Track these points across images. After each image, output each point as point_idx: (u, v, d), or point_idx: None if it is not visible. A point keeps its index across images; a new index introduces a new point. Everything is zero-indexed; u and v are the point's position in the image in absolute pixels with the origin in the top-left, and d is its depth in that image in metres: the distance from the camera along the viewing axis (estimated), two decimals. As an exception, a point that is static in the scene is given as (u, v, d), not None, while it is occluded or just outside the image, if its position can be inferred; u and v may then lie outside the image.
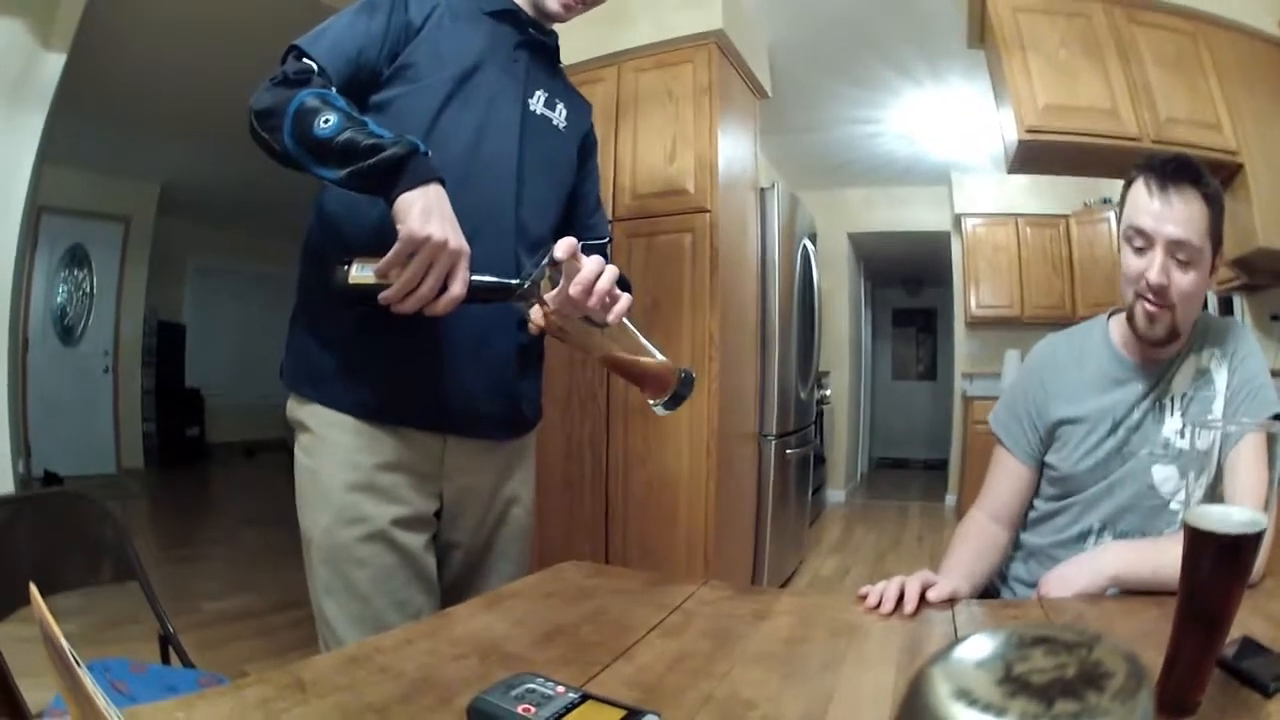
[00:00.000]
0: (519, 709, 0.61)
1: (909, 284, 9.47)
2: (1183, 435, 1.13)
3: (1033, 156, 2.83)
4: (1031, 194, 5.36)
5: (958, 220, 5.64)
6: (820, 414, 5.59)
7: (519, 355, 1.18)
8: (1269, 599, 0.94)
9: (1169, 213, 1.07)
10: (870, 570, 4.22)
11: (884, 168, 5.52)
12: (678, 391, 1.02)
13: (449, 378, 1.11)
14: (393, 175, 0.89)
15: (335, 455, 1.09)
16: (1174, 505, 1.14)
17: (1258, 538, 0.62)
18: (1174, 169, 1.09)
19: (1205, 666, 0.64)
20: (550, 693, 0.64)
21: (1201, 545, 0.62)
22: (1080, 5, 2.73)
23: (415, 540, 1.12)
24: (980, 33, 2.99)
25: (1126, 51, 2.67)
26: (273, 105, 0.95)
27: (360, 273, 0.92)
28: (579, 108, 1.31)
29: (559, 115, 1.25)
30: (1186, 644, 0.64)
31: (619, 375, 1.05)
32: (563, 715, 0.61)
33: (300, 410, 1.13)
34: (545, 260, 0.95)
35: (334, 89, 0.99)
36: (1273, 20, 2.73)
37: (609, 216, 2.85)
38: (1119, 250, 1.17)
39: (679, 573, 2.70)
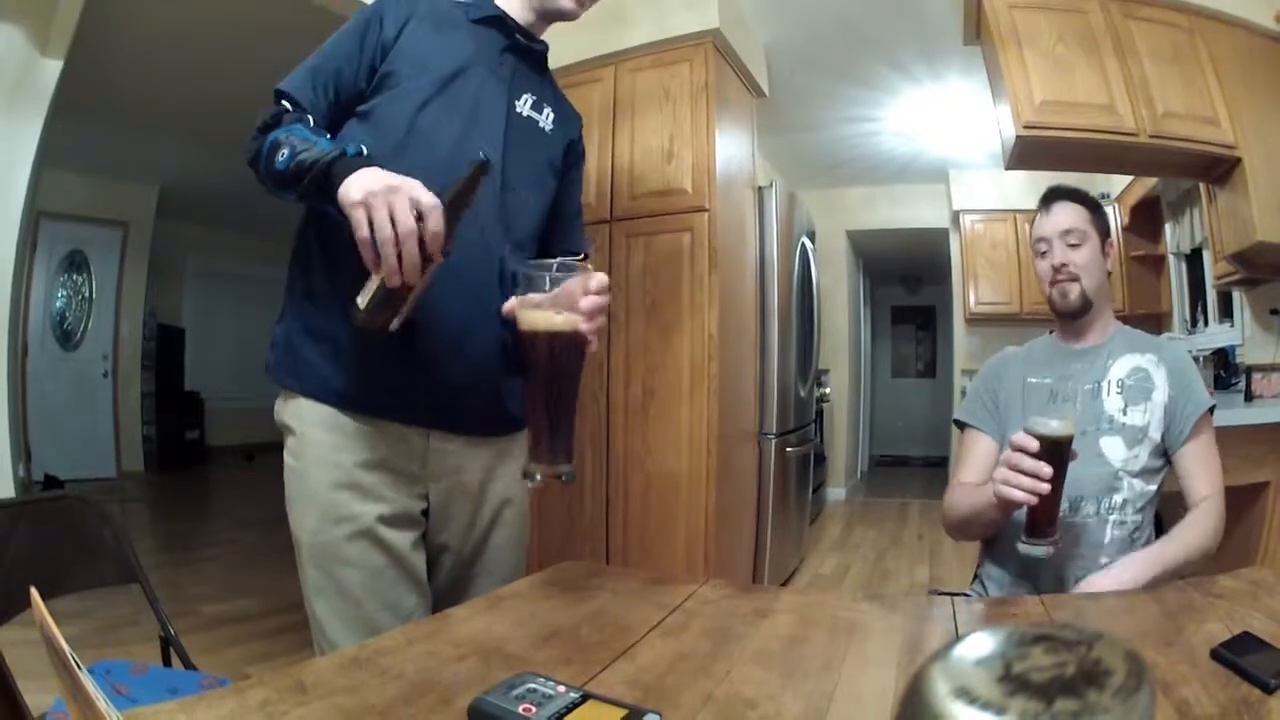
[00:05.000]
0: (520, 709, 0.61)
1: (908, 281, 9.47)
2: (1124, 412, 1.36)
3: (1030, 153, 2.83)
4: (1029, 190, 5.34)
5: (956, 217, 5.63)
6: (820, 412, 5.59)
7: (503, 350, 1.17)
8: (1269, 595, 0.94)
9: (1053, 217, 1.45)
10: (870, 568, 4.22)
11: (882, 166, 5.51)
12: (561, 472, 0.97)
13: (430, 370, 1.11)
14: (327, 181, 0.95)
15: (318, 454, 1.10)
16: (1121, 473, 1.34)
17: (1069, 439, 1.11)
18: (1050, 193, 1.48)
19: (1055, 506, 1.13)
20: (551, 692, 0.64)
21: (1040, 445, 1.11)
22: (1076, 1, 2.73)
23: (402, 538, 1.12)
24: (976, 29, 2.99)
25: (1123, 46, 2.66)
26: (254, 154, 1.05)
27: (363, 296, 0.93)
28: (568, 115, 1.32)
29: (546, 118, 1.26)
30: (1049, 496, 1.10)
31: (532, 404, 0.99)
32: (564, 715, 0.61)
33: (285, 411, 1.14)
34: (557, 264, 0.99)
35: (310, 116, 1.08)
36: (1270, 15, 2.73)
37: (607, 215, 2.91)
38: (1034, 268, 1.50)
39: (679, 572, 2.70)
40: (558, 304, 0.96)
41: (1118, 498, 1.33)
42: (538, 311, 0.96)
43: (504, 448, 1.25)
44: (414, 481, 1.15)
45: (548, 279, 0.97)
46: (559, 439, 0.97)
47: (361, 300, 0.93)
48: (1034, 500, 1.10)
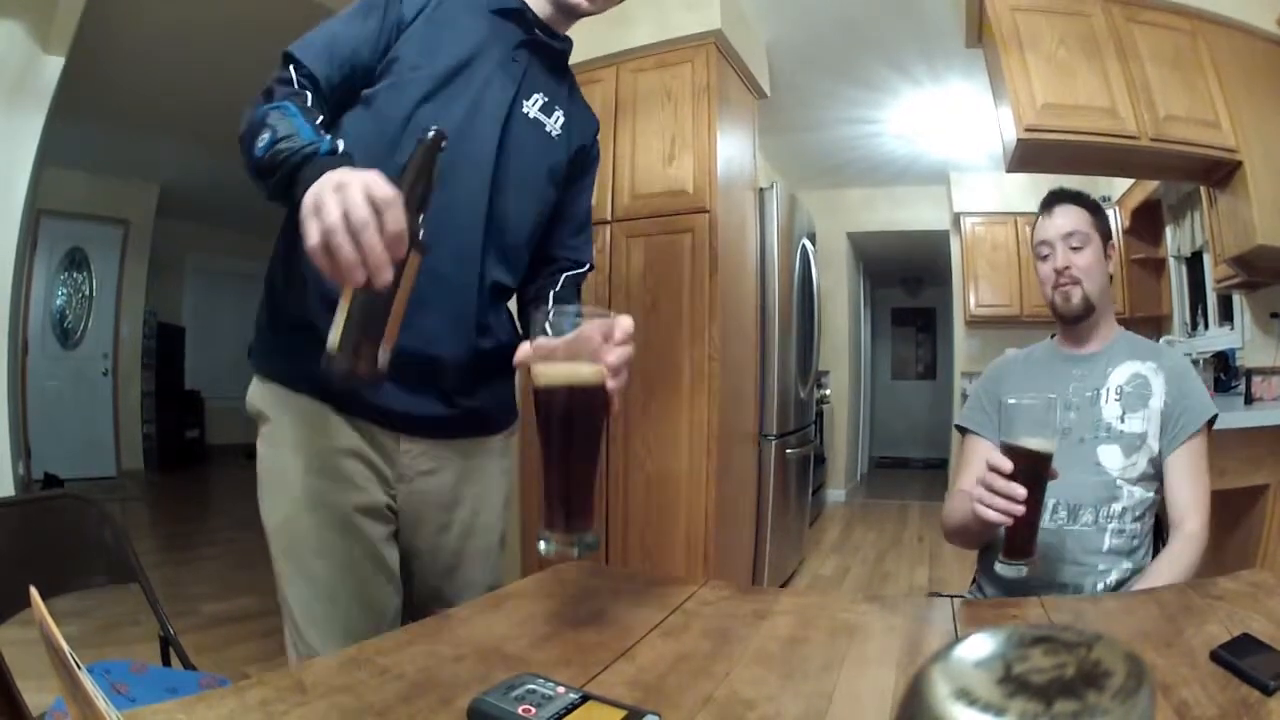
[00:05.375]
0: (519, 709, 0.61)
1: (908, 283, 9.47)
2: (1122, 420, 1.36)
3: (1031, 155, 2.83)
4: (1030, 193, 5.34)
5: (957, 219, 5.63)
6: (820, 414, 5.59)
7: (475, 355, 1.13)
8: (1269, 597, 0.94)
9: (1055, 220, 1.44)
10: (870, 570, 4.22)
11: (883, 167, 5.52)
12: (580, 541, 0.82)
13: (402, 372, 1.05)
14: (292, 185, 0.86)
15: (294, 438, 1.07)
16: (1119, 481, 1.34)
17: (1048, 458, 1.07)
18: (1052, 196, 1.48)
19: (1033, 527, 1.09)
20: (551, 693, 0.64)
21: (1015, 457, 1.06)
22: (1078, 4, 2.73)
23: (377, 531, 1.10)
24: (978, 32, 2.99)
25: (1125, 50, 2.66)
26: (244, 129, 0.94)
27: (334, 330, 0.77)
28: (581, 119, 1.26)
29: (554, 122, 1.20)
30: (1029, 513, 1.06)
31: (546, 468, 0.83)
32: (563, 716, 0.61)
33: (261, 397, 1.11)
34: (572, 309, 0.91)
35: (310, 94, 1.00)
36: (1271, 18, 2.73)
37: (608, 216, 2.90)
38: (1036, 272, 1.50)
39: (679, 573, 2.70)
40: (575, 353, 0.83)
41: (1116, 506, 1.33)
42: (552, 364, 0.82)
43: (482, 453, 1.22)
44: (384, 481, 1.12)
45: (555, 320, 0.84)
46: (578, 505, 0.83)
47: (333, 336, 0.76)
48: (1009, 521, 1.08)
